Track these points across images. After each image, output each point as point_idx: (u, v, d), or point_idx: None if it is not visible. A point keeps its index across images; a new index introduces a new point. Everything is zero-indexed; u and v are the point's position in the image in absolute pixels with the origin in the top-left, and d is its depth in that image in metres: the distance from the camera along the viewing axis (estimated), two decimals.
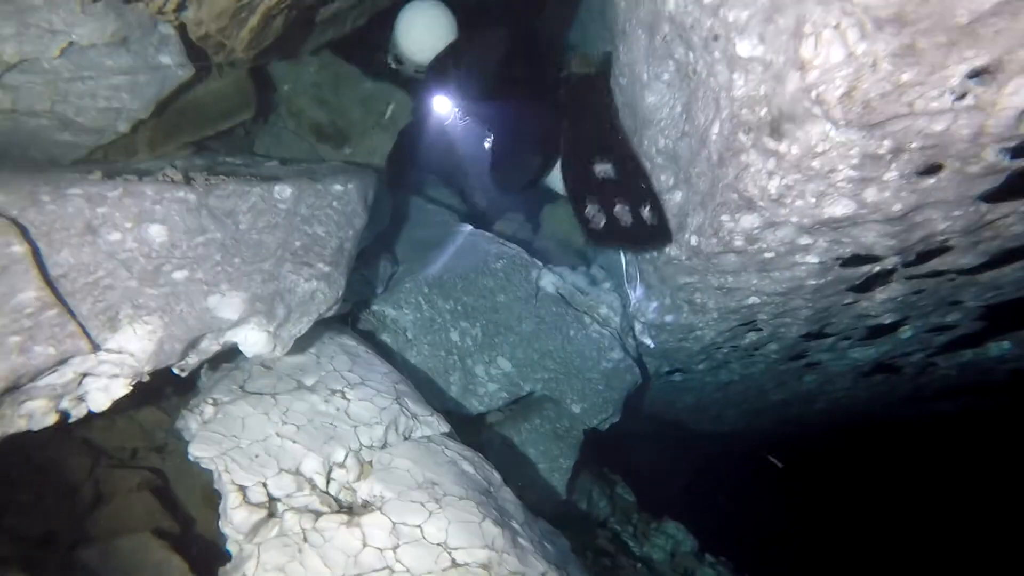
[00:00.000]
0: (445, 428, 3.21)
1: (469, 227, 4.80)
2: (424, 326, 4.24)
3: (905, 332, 3.82)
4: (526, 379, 4.31)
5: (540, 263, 4.50)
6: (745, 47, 1.97)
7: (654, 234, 3.20)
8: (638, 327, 4.26)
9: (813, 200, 2.13)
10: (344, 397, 2.97)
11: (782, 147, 2.02)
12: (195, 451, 2.50)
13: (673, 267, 3.10)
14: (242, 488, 2.39)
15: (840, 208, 2.13)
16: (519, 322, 4.31)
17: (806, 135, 1.95)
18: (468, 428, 4.22)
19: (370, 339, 4.11)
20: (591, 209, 3.44)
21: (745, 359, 4.40)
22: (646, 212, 3.14)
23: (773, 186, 2.14)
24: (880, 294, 2.80)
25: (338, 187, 3.16)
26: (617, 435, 4.77)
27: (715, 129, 2.21)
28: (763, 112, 2.03)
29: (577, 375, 4.33)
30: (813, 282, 2.62)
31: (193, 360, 2.54)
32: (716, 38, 2.07)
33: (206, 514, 2.89)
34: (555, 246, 5.27)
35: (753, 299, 2.97)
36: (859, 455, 8.25)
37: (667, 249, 3.03)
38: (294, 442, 2.61)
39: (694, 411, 6.40)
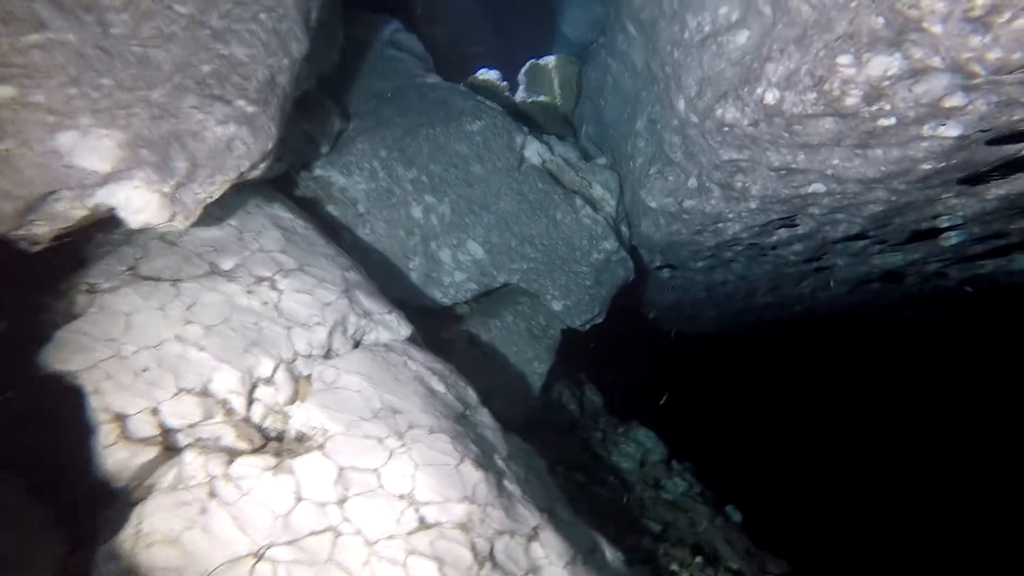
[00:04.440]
0: (407, 330, 2.52)
1: (438, 78, 3.90)
2: (380, 198, 3.44)
3: (951, 239, 3.25)
4: (501, 268, 3.61)
5: (525, 128, 3.68)
6: None
7: None
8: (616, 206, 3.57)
9: None
10: (274, 287, 2.22)
11: None
12: (54, 361, 1.74)
13: (719, 137, 2.37)
14: (120, 417, 1.67)
15: None
16: (497, 199, 3.55)
17: None
18: (427, 323, 3.56)
19: (311, 211, 3.31)
20: None
21: (755, 259, 3.80)
22: None
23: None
24: (994, 189, 2.15)
25: None
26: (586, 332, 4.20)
27: None
28: None
29: (562, 266, 3.65)
30: (928, 166, 1.95)
31: (42, 228, 1.72)
32: None
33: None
34: (538, 111, 4.43)
35: (817, 186, 2.29)
36: (824, 355, 8.11)
37: (714, 112, 2.27)
38: (200, 349, 1.87)
39: (671, 310, 5.90)
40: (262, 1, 2.18)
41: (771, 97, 1.95)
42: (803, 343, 7.28)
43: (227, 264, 2.26)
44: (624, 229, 3.88)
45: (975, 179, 2.12)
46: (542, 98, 4.52)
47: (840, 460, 8.37)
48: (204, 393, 1.79)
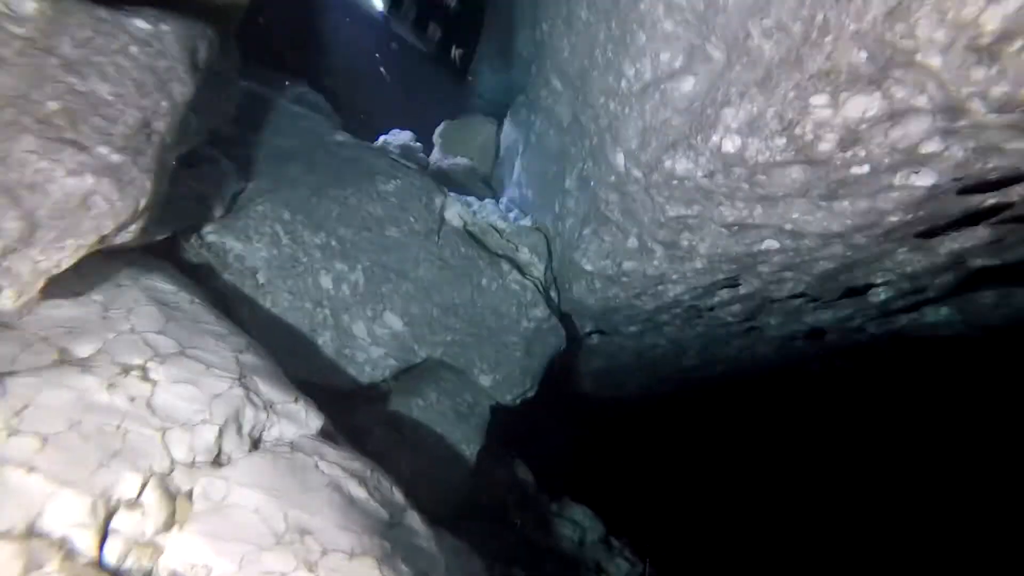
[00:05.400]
0: (317, 422, 2.10)
1: (348, 136, 3.59)
2: (283, 266, 3.03)
3: (879, 294, 3.20)
4: (422, 342, 3.24)
5: (445, 189, 3.40)
6: None
7: (448, 66, 3.93)
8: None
9: None
10: (147, 378, 1.77)
11: None
12: None
13: (666, 192, 2.16)
14: None
15: None
16: (415, 265, 3.22)
17: None
18: (341, 406, 3.13)
19: (202, 283, 2.86)
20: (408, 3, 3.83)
21: (689, 321, 3.63)
22: (456, 52, 3.87)
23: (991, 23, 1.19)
24: (947, 243, 2.04)
25: (142, 24, 1.87)
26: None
27: None
28: None
29: (489, 338, 3.33)
30: (896, 218, 1.80)
31: None
32: None
33: None
34: (456, 172, 4.18)
35: (771, 243, 2.12)
36: (747, 413, 8.13)
37: (661, 164, 2.07)
38: (30, 470, 1.39)
39: (598, 377, 5.68)
40: (133, 32, 1.82)
41: (730, 145, 1.76)
42: (726, 402, 7.25)
43: (84, 350, 1.79)
44: (553, 294, 3.63)
45: (931, 232, 2.01)
46: (459, 159, 4.30)
47: (771, 515, 8.29)
48: (28, 534, 1.30)
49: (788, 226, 1.97)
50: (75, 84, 1.66)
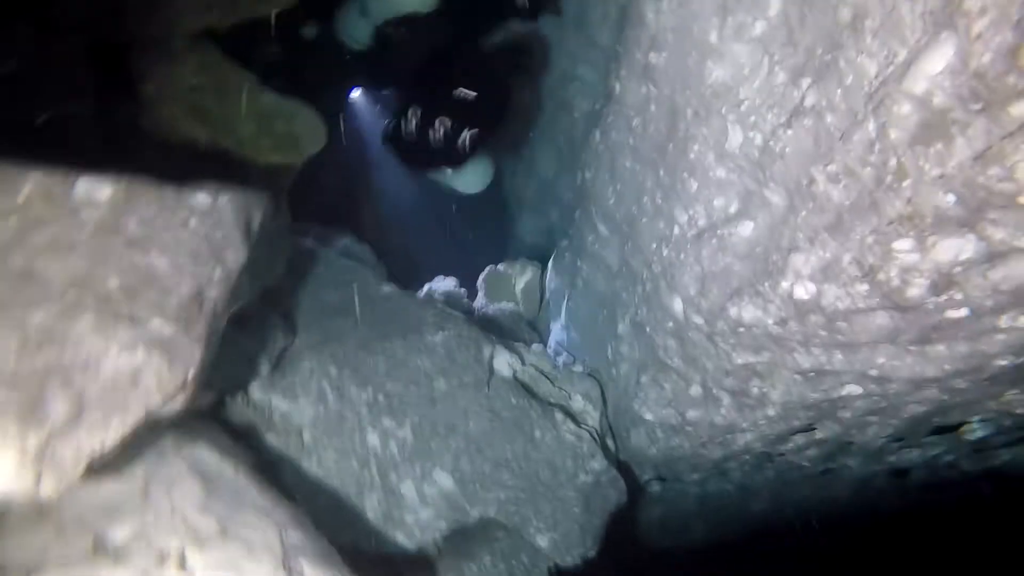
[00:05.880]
0: None
1: (394, 287, 3.61)
2: (329, 424, 2.93)
3: (976, 432, 2.93)
4: (474, 500, 3.04)
5: (493, 337, 3.34)
6: None
7: (450, 156, 3.51)
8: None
9: None
10: (183, 566, 1.63)
11: None
12: None
13: (732, 339, 2.05)
14: None
15: None
16: (465, 419, 3.09)
17: None
18: (388, 572, 2.90)
19: (246, 442, 2.78)
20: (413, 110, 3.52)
21: (759, 467, 3.37)
22: (466, 135, 3.41)
23: None
24: None
25: (202, 198, 1.93)
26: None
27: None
28: None
29: (545, 493, 3.11)
30: (1004, 362, 1.64)
31: None
32: None
33: None
34: (502, 318, 4.15)
35: (852, 388, 1.95)
36: (813, 553, 7.42)
37: (726, 312, 1.98)
38: None
39: (656, 527, 5.26)
40: (194, 206, 1.86)
41: (803, 292, 1.67)
42: (798, 545, 6.63)
43: (120, 534, 1.67)
44: (610, 442, 3.43)
45: None
46: (504, 304, 4.28)
47: None
48: None
49: (873, 372, 1.81)
50: (136, 260, 1.67)
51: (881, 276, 1.45)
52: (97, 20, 2.61)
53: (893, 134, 1.30)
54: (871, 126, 1.35)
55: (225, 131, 3.33)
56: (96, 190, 1.64)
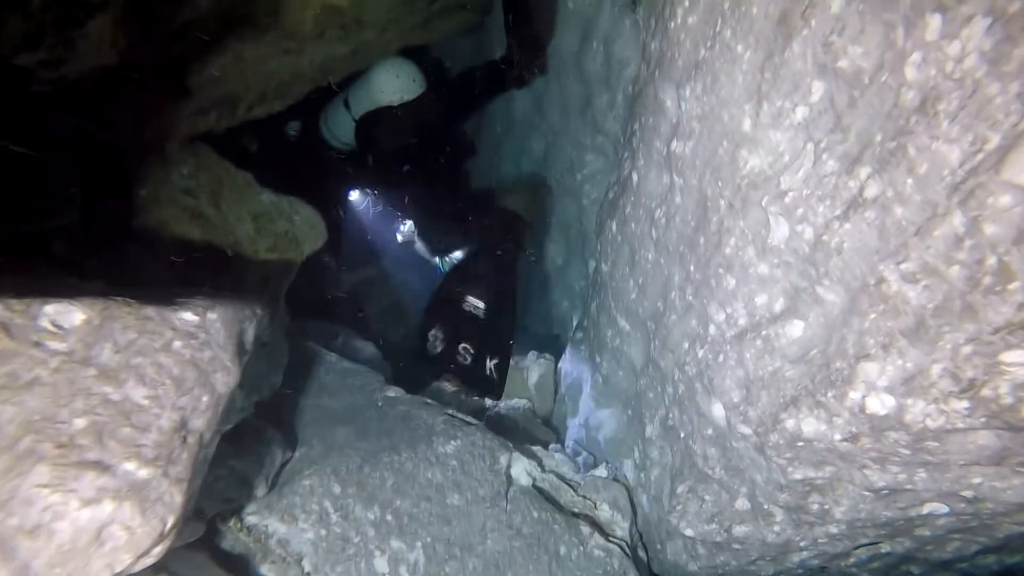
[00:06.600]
0: None
1: (400, 390, 3.37)
2: (332, 549, 2.63)
3: None
4: None
5: (509, 443, 3.07)
6: None
7: (485, 386, 3.77)
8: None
9: None
10: None
11: None
12: None
13: (788, 453, 1.79)
14: None
15: None
16: (483, 537, 2.78)
17: None
18: None
19: (240, 573, 2.49)
20: (435, 333, 3.77)
21: None
22: (491, 363, 3.66)
23: None
24: None
25: (189, 316, 1.73)
26: None
27: None
28: None
29: None
30: None
31: None
32: None
33: None
34: (516, 417, 3.88)
35: (936, 507, 1.69)
36: None
37: (781, 423, 1.74)
38: None
39: None
40: (179, 326, 1.66)
41: (879, 406, 1.44)
42: None
43: None
44: (641, 554, 3.10)
45: None
46: (516, 401, 4.02)
47: None
48: None
49: (967, 492, 1.56)
50: (109, 393, 1.45)
51: (987, 392, 1.23)
52: (90, 133, 2.50)
53: (989, 229, 1.12)
54: (957, 220, 1.18)
55: (222, 232, 3.19)
56: (65, 316, 1.44)
